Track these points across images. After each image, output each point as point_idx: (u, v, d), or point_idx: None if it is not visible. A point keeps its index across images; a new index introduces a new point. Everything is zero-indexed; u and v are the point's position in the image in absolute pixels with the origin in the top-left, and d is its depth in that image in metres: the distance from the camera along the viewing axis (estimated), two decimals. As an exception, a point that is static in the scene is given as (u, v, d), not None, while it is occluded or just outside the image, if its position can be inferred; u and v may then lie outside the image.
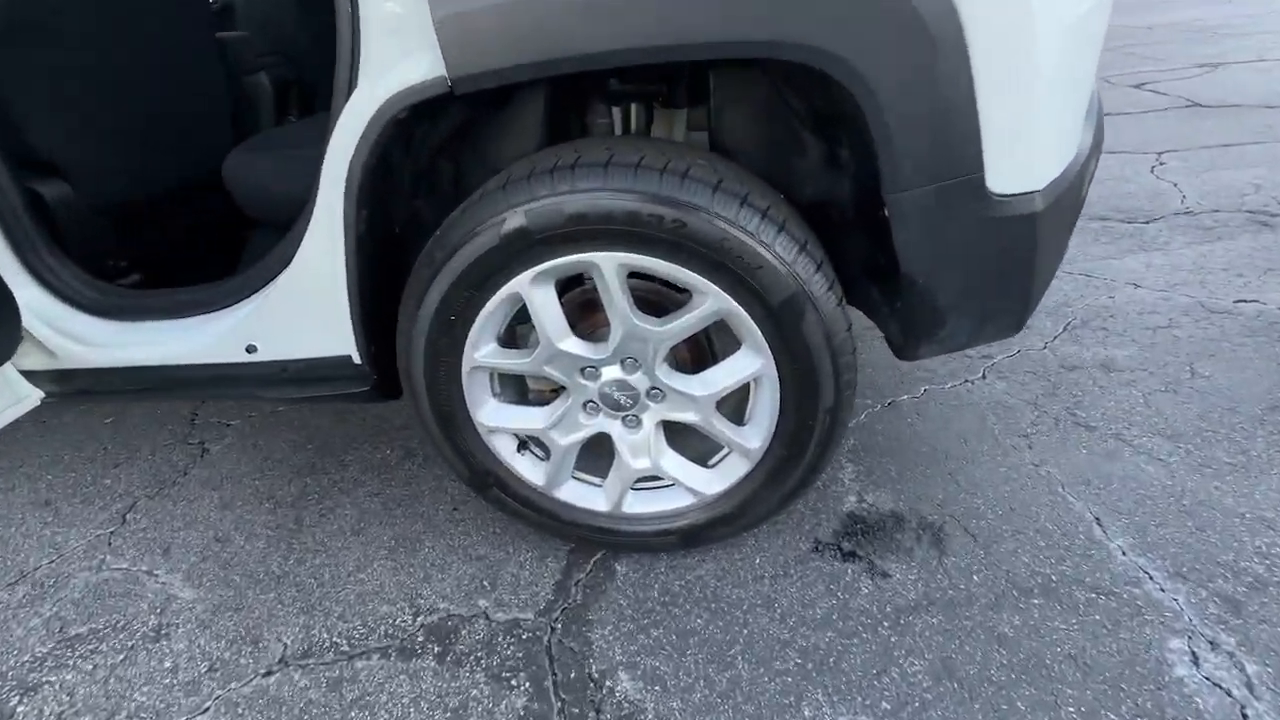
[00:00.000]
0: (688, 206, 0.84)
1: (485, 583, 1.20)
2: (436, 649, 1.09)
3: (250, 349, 1.12)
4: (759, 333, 0.91)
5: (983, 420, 1.48)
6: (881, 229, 0.90)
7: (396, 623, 1.14)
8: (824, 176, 1.06)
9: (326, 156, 0.90)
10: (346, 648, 1.11)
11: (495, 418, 1.07)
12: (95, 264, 1.29)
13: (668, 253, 0.87)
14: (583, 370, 1.01)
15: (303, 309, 1.06)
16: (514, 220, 0.87)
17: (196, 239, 1.64)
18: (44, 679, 1.11)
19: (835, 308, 0.90)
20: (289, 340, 1.11)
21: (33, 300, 1.16)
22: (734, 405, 1.06)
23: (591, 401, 1.05)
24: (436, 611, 1.15)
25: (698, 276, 0.88)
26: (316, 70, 1.74)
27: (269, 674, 1.08)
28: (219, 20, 1.77)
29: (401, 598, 1.19)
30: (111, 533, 1.41)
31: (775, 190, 0.95)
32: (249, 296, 1.12)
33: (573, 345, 0.98)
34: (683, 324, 0.94)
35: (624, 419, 1.06)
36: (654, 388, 1.02)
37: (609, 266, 0.89)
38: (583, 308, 1.07)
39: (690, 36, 0.75)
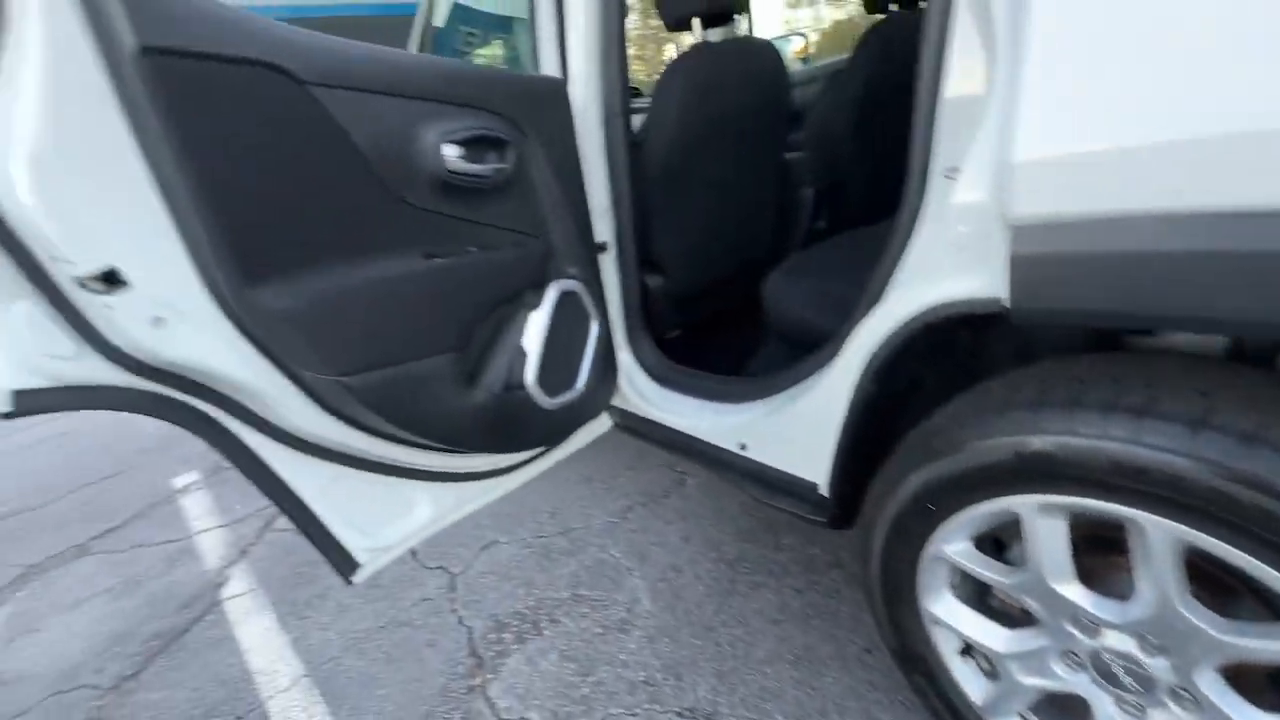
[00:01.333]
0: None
1: (879, 755, 1.15)
2: (815, 796, 1.10)
3: (742, 446, 1.34)
4: None
5: None
6: None
7: (786, 740, 1.20)
8: None
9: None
10: (740, 733, 1.23)
11: (945, 613, 0.99)
12: (658, 335, 1.75)
13: (1270, 552, 0.63)
14: (1075, 616, 0.84)
15: (795, 431, 1.20)
16: (1039, 444, 0.77)
17: (722, 317, 2.04)
18: (560, 617, 1.60)
19: None
20: (774, 451, 1.27)
21: (619, 361, 1.66)
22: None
23: (1075, 654, 0.86)
24: (824, 755, 1.17)
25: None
26: (850, 186, 1.91)
27: (680, 715, 1.29)
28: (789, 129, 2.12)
29: (795, 718, 1.24)
30: (614, 524, 1.92)
31: None
32: (755, 401, 1.33)
33: (1074, 594, 0.82)
34: (1267, 646, 0.67)
35: (1118, 700, 0.83)
36: (1183, 689, 0.77)
37: (1162, 538, 0.71)
38: (1094, 539, 0.88)
39: None
